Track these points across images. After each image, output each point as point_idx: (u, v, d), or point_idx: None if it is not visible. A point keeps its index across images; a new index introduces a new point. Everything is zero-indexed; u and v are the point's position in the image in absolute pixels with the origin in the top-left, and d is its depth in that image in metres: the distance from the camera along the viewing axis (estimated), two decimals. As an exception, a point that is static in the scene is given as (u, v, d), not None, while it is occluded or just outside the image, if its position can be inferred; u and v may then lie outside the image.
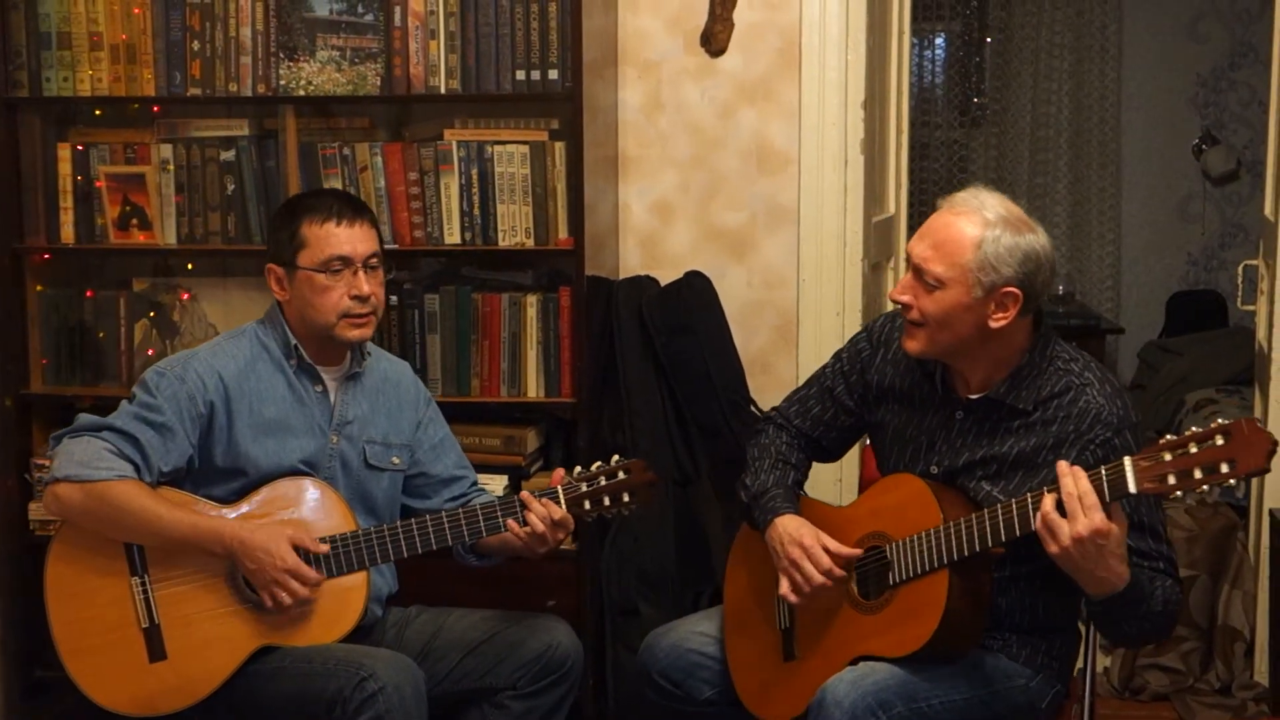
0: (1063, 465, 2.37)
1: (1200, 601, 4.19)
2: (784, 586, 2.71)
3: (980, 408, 2.65)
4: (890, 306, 2.63)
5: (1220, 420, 2.23)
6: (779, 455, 2.90)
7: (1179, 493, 2.25)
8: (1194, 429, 2.27)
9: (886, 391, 2.80)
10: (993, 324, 2.55)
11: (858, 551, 2.67)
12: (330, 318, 2.88)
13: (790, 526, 2.73)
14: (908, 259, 2.61)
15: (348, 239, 2.88)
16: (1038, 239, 2.56)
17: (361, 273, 2.89)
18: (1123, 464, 2.30)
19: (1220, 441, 2.21)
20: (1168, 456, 2.26)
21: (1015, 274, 2.53)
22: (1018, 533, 2.44)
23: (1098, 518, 2.31)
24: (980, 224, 2.53)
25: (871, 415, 2.86)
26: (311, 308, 2.89)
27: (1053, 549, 2.35)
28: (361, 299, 2.89)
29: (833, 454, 3.01)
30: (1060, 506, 2.34)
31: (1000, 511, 2.45)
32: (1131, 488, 2.28)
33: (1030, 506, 2.41)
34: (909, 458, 2.73)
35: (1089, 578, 2.39)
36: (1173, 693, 4.09)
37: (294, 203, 3.02)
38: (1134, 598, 2.43)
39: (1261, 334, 4.14)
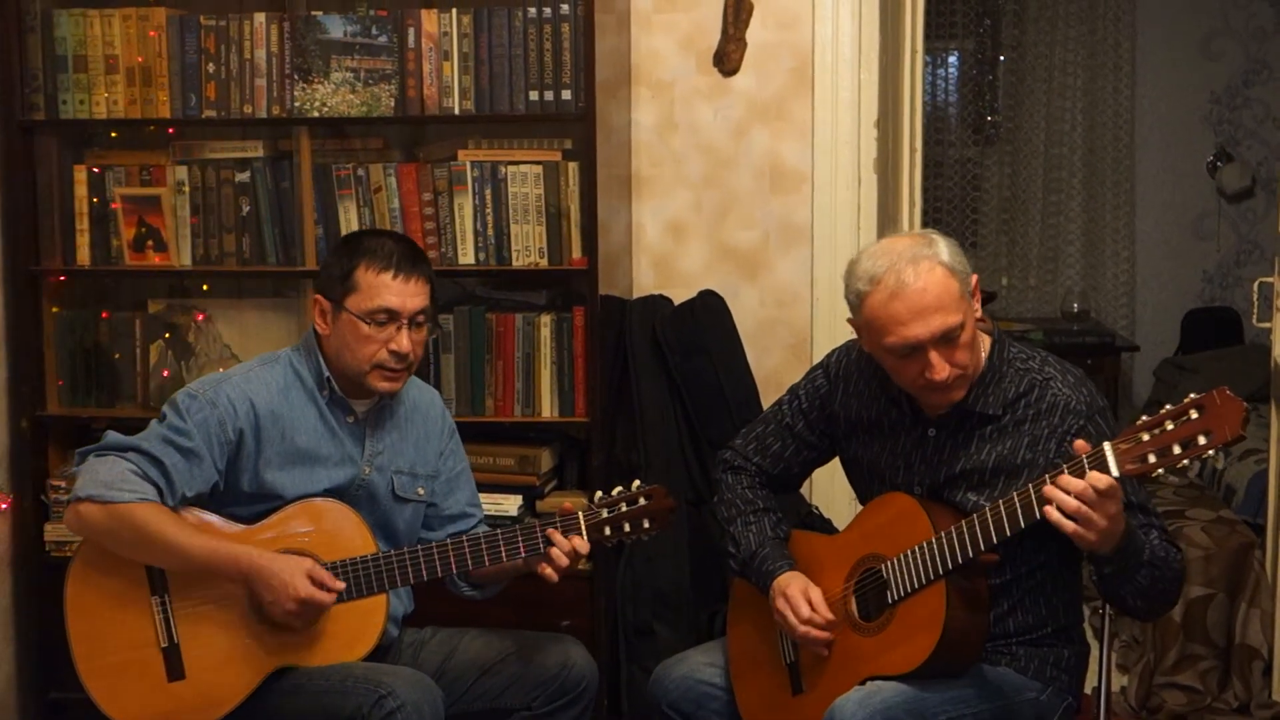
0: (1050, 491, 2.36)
1: (1218, 620, 4.17)
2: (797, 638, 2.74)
3: (952, 421, 2.66)
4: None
5: (1193, 395, 2.24)
6: (749, 505, 2.91)
7: (1160, 470, 2.26)
8: (1168, 406, 2.27)
9: (855, 425, 2.81)
10: (976, 318, 2.61)
11: (831, 616, 2.67)
12: (364, 366, 2.86)
13: (781, 583, 2.75)
14: (910, 349, 2.54)
15: (399, 294, 2.84)
16: (934, 229, 2.65)
17: (405, 329, 2.85)
18: (1103, 449, 2.31)
19: (1195, 415, 2.23)
20: (1145, 437, 2.28)
21: (968, 262, 2.60)
22: (1008, 532, 2.45)
23: (1108, 500, 2.32)
24: (933, 258, 2.54)
25: (842, 450, 2.88)
26: (349, 350, 2.86)
27: (1091, 539, 2.34)
28: (399, 355, 2.86)
29: (791, 486, 3.04)
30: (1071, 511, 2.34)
31: (989, 514, 2.46)
32: (1114, 472, 2.29)
33: (1018, 505, 2.42)
34: (889, 484, 2.74)
35: (1111, 538, 2.38)
36: (1190, 712, 4.07)
37: (355, 242, 2.94)
38: (1136, 545, 2.44)
39: (1277, 351, 4.13)
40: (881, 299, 2.54)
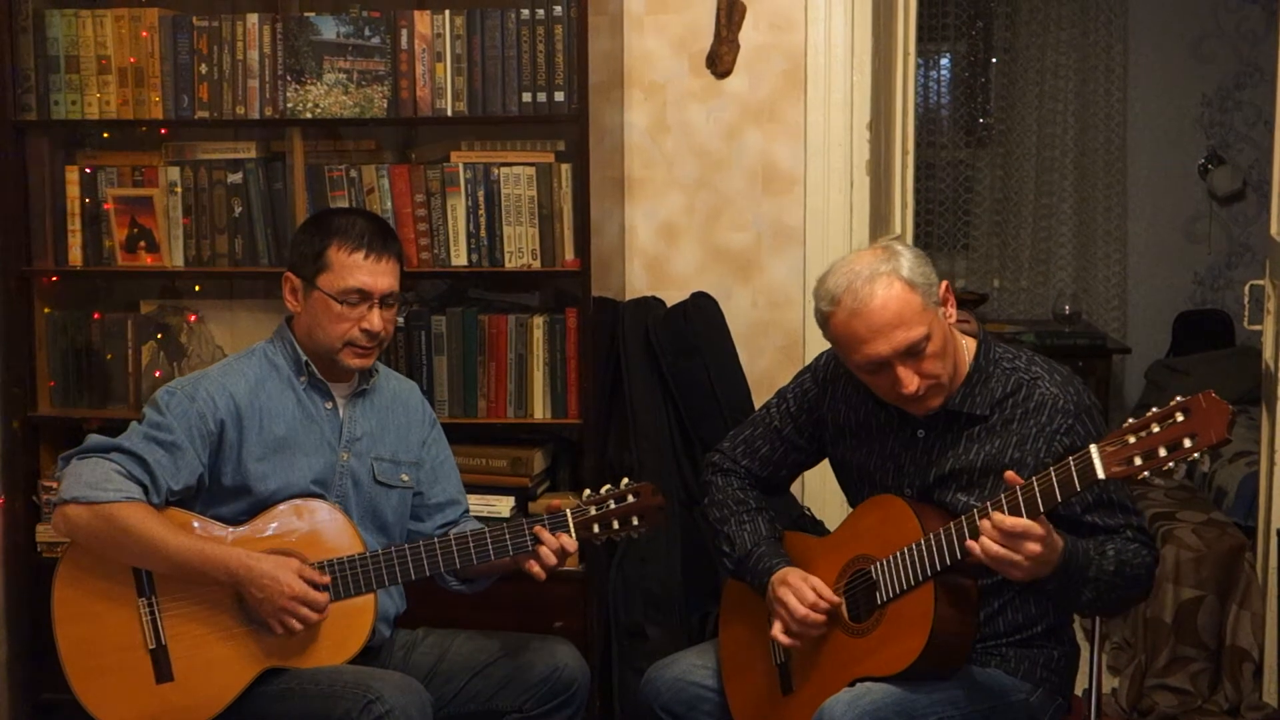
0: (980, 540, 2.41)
1: (1208, 622, 4.18)
2: (775, 628, 2.73)
3: (940, 422, 2.67)
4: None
5: (1179, 398, 2.24)
6: (741, 505, 2.90)
7: (1146, 473, 2.27)
8: (1154, 409, 2.28)
9: (843, 428, 2.82)
10: (949, 322, 2.61)
11: (837, 600, 2.68)
12: (335, 343, 2.89)
13: (781, 575, 2.75)
14: (878, 366, 2.56)
15: (370, 273, 2.87)
16: (899, 240, 2.66)
17: (376, 308, 2.89)
18: (1089, 452, 2.32)
19: (1181, 418, 2.23)
20: (1132, 439, 2.28)
21: (933, 272, 2.60)
22: None
23: (1024, 541, 2.37)
24: (891, 274, 2.54)
25: (831, 453, 2.88)
26: (320, 328, 2.90)
27: (1016, 575, 2.41)
28: (371, 334, 2.89)
29: (780, 488, 3.04)
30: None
31: (976, 515, 2.47)
32: (1100, 474, 2.30)
33: (1004, 505, 2.42)
34: (879, 486, 2.75)
35: (1044, 566, 2.42)
36: (1181, 714, 4.08)
37: (326, 220, 2.98)
38: (1077, 566, 2.47)
39: (1268, 353, 4.14)
40: (843, 318, 2.56)
